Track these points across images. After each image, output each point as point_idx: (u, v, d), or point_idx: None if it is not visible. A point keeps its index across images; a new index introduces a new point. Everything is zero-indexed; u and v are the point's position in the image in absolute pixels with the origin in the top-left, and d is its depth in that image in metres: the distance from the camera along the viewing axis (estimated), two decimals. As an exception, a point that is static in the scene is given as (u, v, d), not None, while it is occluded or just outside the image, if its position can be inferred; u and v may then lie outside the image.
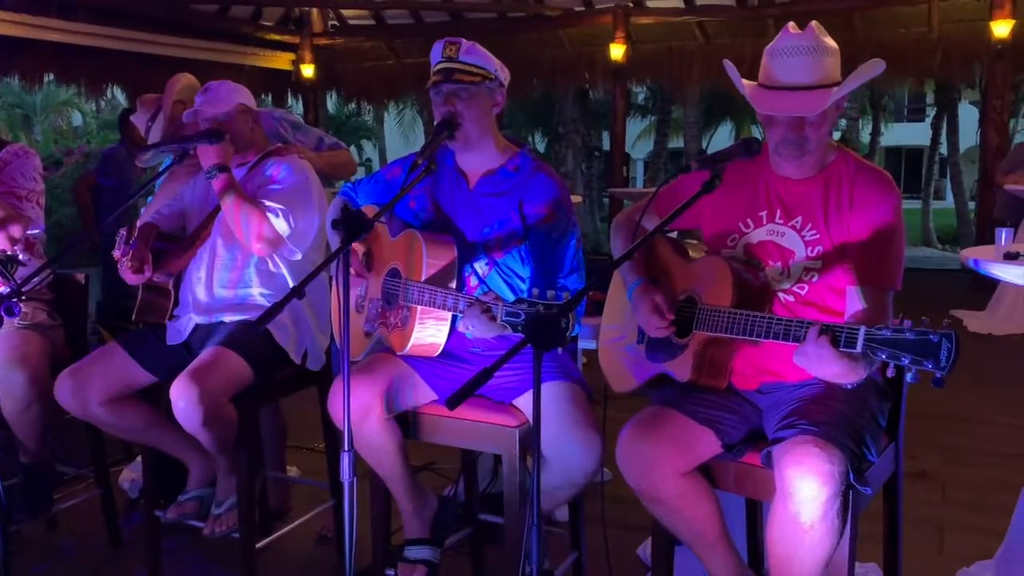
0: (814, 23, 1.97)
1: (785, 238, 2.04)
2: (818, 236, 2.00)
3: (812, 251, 2.00)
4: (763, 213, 2.08)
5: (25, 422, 2.69)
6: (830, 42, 1.97)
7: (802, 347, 1.71)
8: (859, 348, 1.63)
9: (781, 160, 2.04)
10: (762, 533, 2.32)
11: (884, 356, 1.60)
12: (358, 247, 2.40)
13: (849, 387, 1.85)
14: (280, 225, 2.54)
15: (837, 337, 1.66)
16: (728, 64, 2.07)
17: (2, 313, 1.96)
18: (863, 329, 1.63)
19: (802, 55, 1.93)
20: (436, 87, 2.24)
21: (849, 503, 1.76)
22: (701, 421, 1.97)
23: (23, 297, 2.07)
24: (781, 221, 2.05)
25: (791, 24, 1.99)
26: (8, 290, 2.06)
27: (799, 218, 2.03)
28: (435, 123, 2.26)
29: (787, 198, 2.06)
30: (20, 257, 2.23)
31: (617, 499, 2.32)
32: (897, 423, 2.11)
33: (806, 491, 1.71)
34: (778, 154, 2.02)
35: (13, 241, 2.68)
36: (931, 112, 23.58)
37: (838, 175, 2.02)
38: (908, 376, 1.57)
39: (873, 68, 1.96)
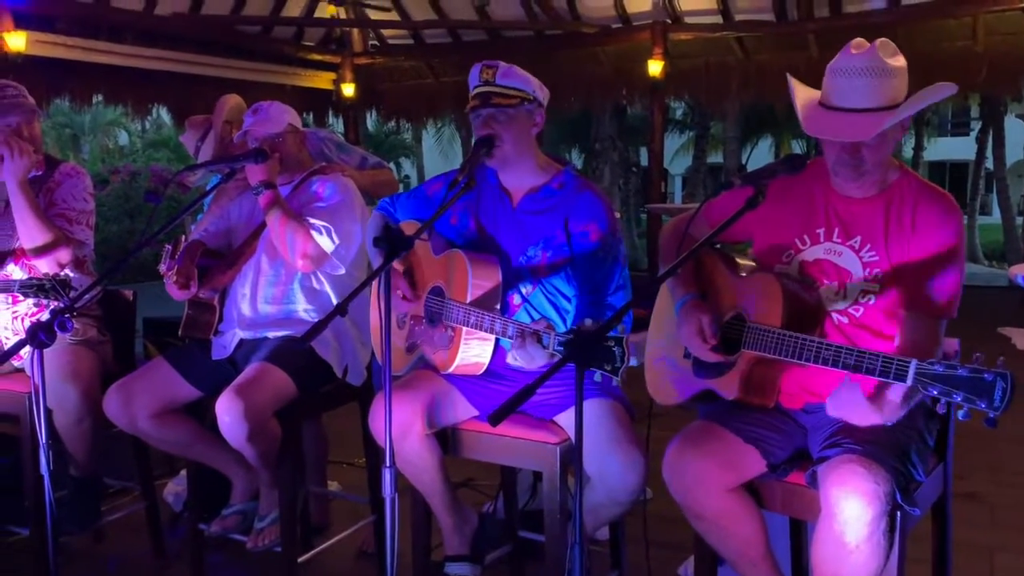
0: (879, 41, 1.85)
1: (843, 257, 1.98)
2: (877, 258, 1.94)
3: (870, 272, 1.94)
4: (820, 230, 2.02)
5: (77, 435, 2.74)
6: (894, 62, 1.85)
7: (836, 393, 1.69)
8: (910, 381, 1.59)
9: (840, 180, 1.98)
10: (807, 553, 2.29)
11: (936, 392, 1.55)
12: (398, 265, 2.42)
13: (890, 424, 1.81)
14: (324, 242, 2.58)
15: (887, 370, 1.61)
16: (790, 78, 1.97)
17: (55, 328, 2.00)
18: (914, 363, 1.58)
19: (858, 77, 1.83)
20: (475, 111, 2.25)
21: (896, 523, 1.73)
22: (747, 439, 1.95)
23: (75, 313, 2.12)
24: (839, 240, 1.99)
25: (855, 41, 1.87)
26: (61, 306, 2.11)
27: (858, 237, 1.97)
28: (473, 141, 2.27)
29: (846, 216, 1.99)
30: (72, 279, 2.30)
31: (659, 517, 2.31)
32: (946, 443, 2.07)
33: (851, 511, 1.68)
34: (836, 174, 1.96)
35: (61, 266, 2.74)
36: (976, 126, 23.22)
37: (900, 195, 1.95)
38: (959, 414, 1.52)
39: (940, 91, 1.85)
